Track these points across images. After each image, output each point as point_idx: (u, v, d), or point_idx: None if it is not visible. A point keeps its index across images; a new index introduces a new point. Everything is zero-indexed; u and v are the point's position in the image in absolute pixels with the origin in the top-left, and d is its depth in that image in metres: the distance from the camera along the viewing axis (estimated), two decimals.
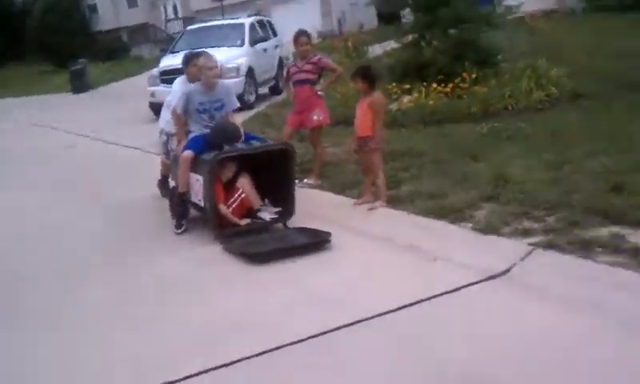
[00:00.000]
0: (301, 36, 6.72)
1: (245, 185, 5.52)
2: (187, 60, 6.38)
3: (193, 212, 5.70)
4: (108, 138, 11.20)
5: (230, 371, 3.18)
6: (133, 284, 4.63)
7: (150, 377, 3.22)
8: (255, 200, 5.56)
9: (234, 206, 5.39)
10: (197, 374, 3.17)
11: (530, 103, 8.75)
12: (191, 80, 6.10)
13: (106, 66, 31.30)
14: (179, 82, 6.41)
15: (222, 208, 5.28)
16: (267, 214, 5.46)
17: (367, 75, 5.63)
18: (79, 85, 22.66)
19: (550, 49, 11.41)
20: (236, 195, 5.44)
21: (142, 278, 4.73)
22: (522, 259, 4.10)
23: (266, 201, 5.57)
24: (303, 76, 6.63)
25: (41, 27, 36.95)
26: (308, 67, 6.61)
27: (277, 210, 5.46)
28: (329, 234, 4.85)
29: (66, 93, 22.85)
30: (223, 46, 13.83)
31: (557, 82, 9.13)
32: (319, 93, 6.69)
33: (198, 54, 6.20)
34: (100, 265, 5.12)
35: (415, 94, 9.33)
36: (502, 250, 4.30)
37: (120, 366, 3.42)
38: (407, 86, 9.70)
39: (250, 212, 5.50)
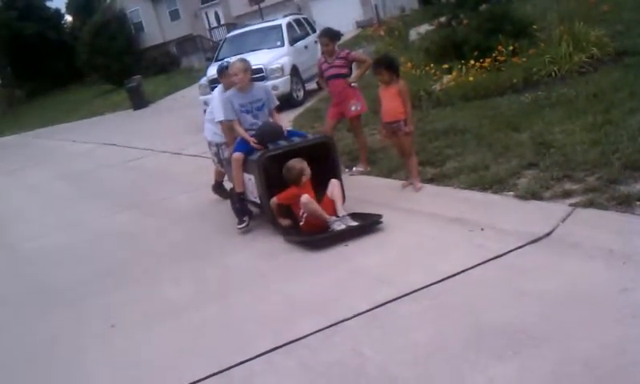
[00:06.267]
0: (322, 37, 7.05)
1: (309, 203, 5.22)
2: (219, 72, 6.87)
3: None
4: (170, 149, 11.81)
5: (295, 346, 3.52)
6: (204, 276, 5.07)
7: (225, 356, 3.59)
8: (324, 214, 5.23)
9: (304, 218, 5.28)
10: (266, 352, 3.52)
11: (572, 67, 8.75)
12: (227, 88, 6.52)
13: (159, 80, 32.37)
14: (217, 93, 6.84)
15: (281, 221, 5.53)
16: (339, 224, 5.16)
17: (391, 65, 5.91)
18: (138, 101, 23.63)
19: (588, 11, 11.28)
20: (301, 212, 5.30)
21: (212, 271, 5.16)
22: (564, 220, 4.27)
23: (344, 213, 5.29)
24: (335, 71, 6.92)
25: (91, 50, 38.54)
26: (338, 62, 6.90)
27: (354, 224, 5.16)
28: (380, 215, 5.13)
29: (127, 109, 23.84)
30: (264, 48, 14.30)
31: (597, 43, 9.09)
32: (353, 84, 6.96)
33: (227, 66, 6.63)
34: (174, 262, 5.61)
35: (454, 73, 9.47)
36: (544, 213, 4.49)
37: (201, 343, 3.84)
38: (446, 66, 9.85)
39: (323, 223, 5.22)
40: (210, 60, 16.64)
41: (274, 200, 5.53)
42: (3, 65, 46.09)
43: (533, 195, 4.79)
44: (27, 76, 49.92)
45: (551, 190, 4.81)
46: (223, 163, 6.83)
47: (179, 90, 26.60)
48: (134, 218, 7.64)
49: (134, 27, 43.24)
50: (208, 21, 41.33)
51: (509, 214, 4.67)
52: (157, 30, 43.26)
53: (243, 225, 5.96)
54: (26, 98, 46.99)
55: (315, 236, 5.13)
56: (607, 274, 3.48)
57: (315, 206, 5.21)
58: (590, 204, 4.37)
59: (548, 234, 4.15)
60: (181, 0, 42.29)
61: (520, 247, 4.08)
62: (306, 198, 5.21)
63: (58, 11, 59.34)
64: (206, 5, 41.47)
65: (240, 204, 6.04)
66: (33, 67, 49.85)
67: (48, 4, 59.20)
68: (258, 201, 5.82)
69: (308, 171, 5.43)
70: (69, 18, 59.33)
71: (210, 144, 7.15)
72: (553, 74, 8.73)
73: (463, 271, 3.92)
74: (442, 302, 3.63)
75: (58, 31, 54.36)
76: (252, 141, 5.87)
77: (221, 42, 17.39)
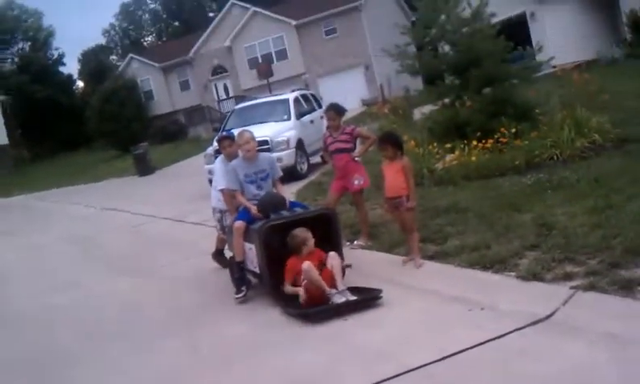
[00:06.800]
0: (328, 111, 7.20)
1: (310, 270, 5.18)
2: (219, 143, 7.04)
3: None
4: (172, 216, 11.86)
5: None
6: (200, 346, 4.99)
7: None
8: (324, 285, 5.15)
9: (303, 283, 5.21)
10: None
11: (574, 151, 8.85)
12: (228, 158, 6.62)
13: (166, 148, 32.76)
14: (219, 162, 6.97)
15: (287, 288, 5.36)
16: (339, 297, 5.09)
17: (396, 141, 6.03)
18: (143, 167, 23.82)
19: (590, 98, 11.51)
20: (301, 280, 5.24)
21: (207, 340, 5.08)
22: (565, 303, 4.25)
23: (344, 287, 5.19)
24: (339, 145, 7.03)
25: (100, 116, 39.22)
26: (343, 137, 7.02)
27: (353, 298, 5.08)
28: (380, 290, 5.10)
29: (132, 176, 24.06)
30: (270, 121, 14.53)
31: (599, 129, 9.24)
32: (356, 159, 7.06)
33: (226, 136, 6.85)
34: (171, 329, 5.54)
35: (457, 152, 9.59)
36: (545, 295, 4.47)
37: None
38: (448, 145, 9.98)
39: (322, 296, 5.15)
40: (217, 130, 16.90)
41: (288, 288, 5.37)
42: (13, 126, 46.80)
43: (534, 276, 4.78)
44: (36, 138, 50.64)
45: (552, 271, 4.80)
46: (225, 230, 6.84)
47: (185, 158, 26.88)
48: (133, 283, 7.58)
49: (144, 95, 44.10)
50: (217, 92, 42.23)
51: (509, 295, 4.65)
52: (166, 99, 44.11)
53: (241, 295, 5.91)
54: (34, 160, 47.51)
55: (314, 309, 5.08)
56: (608, 359, 3.44)
57: (316, 274, 5.17)
58: (591, 287, 4.35)
59: (549, 317, 4.13)
60: (192, 71, 43.31)
61: (520, 328, 4.04)
62: (307, 265, 5.20)
63: (70, 77, 60.95)
64: (215, 77, 42.44)
65: (239, 273, 6.01)
66: (42, 130, 50.62)
67: (61, 69, 61.03)
68: (257, 270, 5.79)
69: (311, 242, 5.43)
70: (80, 84, 60.93)
71: (214, 210, 7.19)
72: (555, 157, 8.83)
73: (462, 351, 3.87)
74: (440, 382, 3.57)
75: (69, 96, 55.58)
76: (254, 210, 5.90)
77: (229, 114, 17.69)
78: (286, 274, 5.41)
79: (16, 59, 60.74)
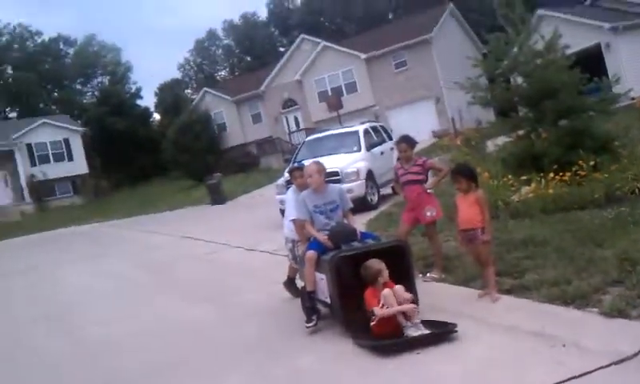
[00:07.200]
0: (400, 143, 7.14)
1: (390, 297, 5.17)
2: (290, 172, 7.20)
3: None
4: (245, 245, 12.05)
5: None
6: (270, 376, 5.02)
7: None
8: (400, 318, 5.12)
9: (377, 319, 5.15)
10: None
11: None
12: (299, 189, 6.69)
13: (238, 178, 33.49)
14: (290, 193, 7.06)
15: (377, 310, 5.18)
16: (413, 330, 5.04)
17: (470, 173, 5.96)
18: (217, 197, 24.49)
19: None
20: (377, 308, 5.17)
21: (278, 370, 5.09)
22: None
23: (418, 320, 5.11)
24: (411, 177, 6.97)
25: (176, 147, 40.57)
26: (415, 169, 6.96)
27: (427, 332, 5.01)
28: (454, 325, 4.99)
29: (206, 205, 24.65)
30: (341, 152, 14.62)
31: None
32: (429, 190, 6.99)
33: (297, 167, 6.93)
34: (241, 359, 5.58)
35: (533, 185, 9.35)
36: (631, 332, 4.28)
37: None
38: (524, 177, 9.74)
39: (396, 328, 5.11)
40: (288, 161, 17.11)
41: (378, 310, 5.16)
42: (93, 157, 49.03)
43: (619, 313, 4.58)
44: (114, 168, 52.75)
45: (638, 308, 4.59)
46: (297, 260, 6.89)
47: (257, 188, 27.38)
48: (206, 310, 7.70)
49: (218, 127, 45.32)
50: (288, 125, 42.89)
51: (593, 331, 4.47)
52: (239, 131, 45.14)
53: (312, 324, 5.91)
54: (112, 189, 49.46)
55: (387, 341, 5.02)
56: None
57: (394, 302, 5.12)
58: None
59: (636, 355, 3.95)
60: (263, 105, 44.22)
61: (604, 367, 3.88)
62: (388, 291, 5.17)
63: (147, 109, 63.45)
64: (286, 110, 43.18)
65: (310, 303, 6.02)
66: (120, 160, 52.75)
67: (138, 102, 63.63)
68: (328, 301, 5.78)
69: (386, 273, 5.38)
70: (157, 116, 63.27)
71: (286, 239, 7.26)
72: (636, 190, 8.49)
73: None
74: None
75: (146, 128, 57.76)
76: (325, 240, 5.93)
77: (299, 145, 17.91)
78: (367, 303, 5.32)
79: (96, 93, 63.90)
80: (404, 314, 5.14)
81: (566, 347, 4.28)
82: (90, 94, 67.89)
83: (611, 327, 4.46)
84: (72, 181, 46.11)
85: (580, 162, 9.38)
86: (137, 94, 65.63)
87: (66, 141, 46.37)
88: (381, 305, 5.17)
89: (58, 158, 45.75)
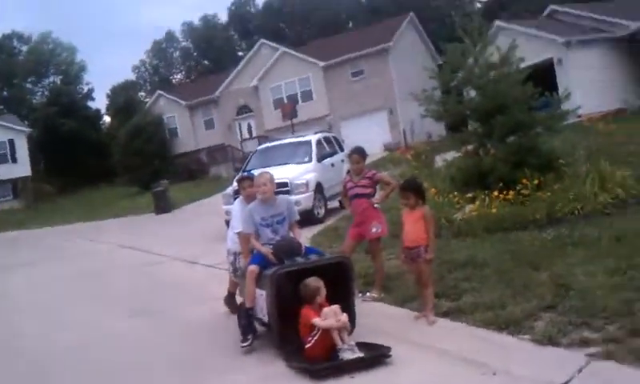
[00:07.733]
0: (353, 154, 7.08)
1: (329, 314, 5.13)
2: (239, 183, 6.99)
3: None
4: (186, 257, 11.78)
5: None
6: None
7: None
8: (337, 338, 5.03)
9: (313, 340, 5.08)
10: None
11: (596, 207, 8.66)
12: (247, 200, 6.54)
13: (186, 186, 33.01)
14: (237, 204, 6.89)
15: (317, 321, 5.10)
16: (348, 353, 4.96)
17: (419, 190, 5.90)
18: (162, 205, 23.94)
19: (614, 151, 11.32)
20: (314, 332, 5.09)
21: None
22: (580, 371, 4.07)
23: (352, 342, 5.06)
24: (359, 190, 6.91)
25: (125, 151, 39.75)
26: (364, 182, 6.91)
27: (360, 355, 4.94)
28: (389, 348, 4.93)
29: (150, 213, 24.14)
30: (291, 162, 14.51)
31: (622, 184, 9.02)
32: (375, 205, 6.93)
33: (247, 177, 6.78)
34: (171, 376, 5.43)
35: (477, 203, 9.41)
36: (561, 361, 4.28)
37: None
38: (469, 195, 9.79)
39: (331, 350, 5.03)
40: (238, 170, 16.90)
41: (318, 320, 5.10)
42: (37, 159, 47.53)
43: (549, 340, 4.59)
44: (60, 171, 51.35)
45: (569, 336, 4.61)
46: (238, 273, 6.72)
47: (205, 197, 26.94)
48: (139, 324, 7.45)
49: (169, 132, 44.61)
50: (241, 132, 42.46)
51: (524, 359, 4.46)
52: (190, 137, 44.48)
53: (247, 343, 5.75)
54: (56, 193, 48.07)
55: (321, 365, 4.92)
56: None
57: (334, 324, 5.04)
58: (608, 356, 4.15)
59: None
60: (217, 110, 43.73)
61: None
62: (328, 308, 5.11)
63: (98, 111, 62.11)
64: (240, 116, 42.75)
65: (246, 320, 5.86)
66: (67, 163, 51.36)
67: (90, 104, 62.21)
68: (265, 319, 5.64)
69: (323, 292, 5.29)
70: (107, 119, 61.95)
71: (228, 251, 7.08)
72: (576, 211, 8.63)
73: None
74: None
75: (96, 130, 56.51)
76: (268, 253, 5.80)
77: (250, 154, 17.72)
78: (301, 328, 5.22)
79: (46, 92, 62.10)
80: (339, 333, 5.05)
81: (497, 375, 4.26)
82: (40, 93, 65.81)
83: (542, 355, 4.46)
84: (13, 184, 44.44)
85: (524, 180, 9.47)
86: (89, 95, 64.06)
87: (11, 141, 44.62)
88: (311, 334, 5.08)
89: (1, 159, 44.04)
